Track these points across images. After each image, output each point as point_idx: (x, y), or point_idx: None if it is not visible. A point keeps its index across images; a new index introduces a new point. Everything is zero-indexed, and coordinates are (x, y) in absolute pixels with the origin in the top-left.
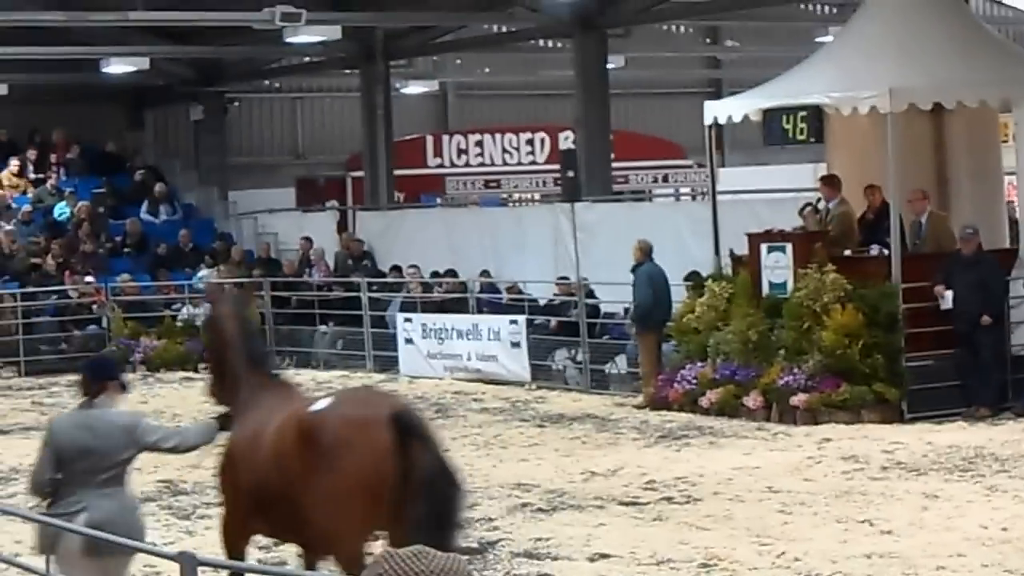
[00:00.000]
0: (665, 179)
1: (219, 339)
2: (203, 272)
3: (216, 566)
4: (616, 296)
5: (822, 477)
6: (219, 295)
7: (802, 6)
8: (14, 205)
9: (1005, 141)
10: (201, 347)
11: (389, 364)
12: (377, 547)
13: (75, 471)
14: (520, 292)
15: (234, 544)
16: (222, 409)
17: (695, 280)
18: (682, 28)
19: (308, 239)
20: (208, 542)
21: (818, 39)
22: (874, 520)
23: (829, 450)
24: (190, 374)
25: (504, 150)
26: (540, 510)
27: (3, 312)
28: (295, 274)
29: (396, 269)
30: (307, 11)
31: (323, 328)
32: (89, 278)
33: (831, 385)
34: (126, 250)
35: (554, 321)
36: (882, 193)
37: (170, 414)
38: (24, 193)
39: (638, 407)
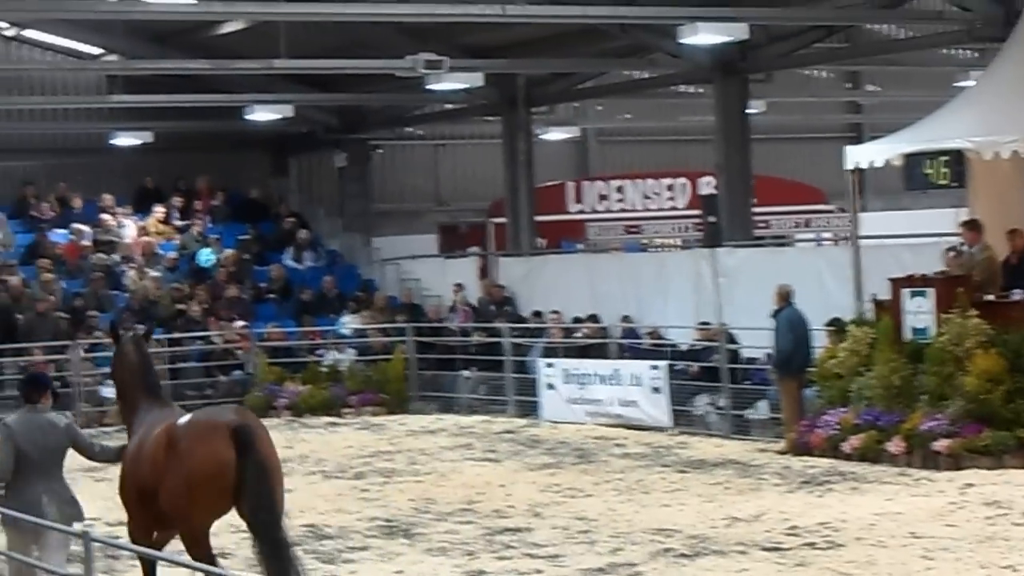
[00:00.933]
0: (806, 224)
1: (123, 371)
2: (347, 318)
3: (110, 544)
4: (757, 341)
5: (965, 522)
6: (122, 335)
7: (943, 51)
8: (160, 252)
9: None
10: (346, 392)
11: (531, 409)
12: None
13: (31, 463)
14: (661, 337)
15: (136, 543)
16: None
17: (837, 325)
18: (823, 73)
19: (460, 285)
20: None
21: (959, 83)
22: (1017, 566)
23: (972, 495)
24: (335, 419)
25: (645, 195)
26: (682, 555)
27: None
28: (438, 319)
29: (537, 314)
30: (449, 58)
31: (465, 373)
32: (240, 322)
33: (973, 430)
34: (271, 296)
35: (695, 366)
36: None
37: (315, 459)
38: (170, 240)
39: (780, 452)
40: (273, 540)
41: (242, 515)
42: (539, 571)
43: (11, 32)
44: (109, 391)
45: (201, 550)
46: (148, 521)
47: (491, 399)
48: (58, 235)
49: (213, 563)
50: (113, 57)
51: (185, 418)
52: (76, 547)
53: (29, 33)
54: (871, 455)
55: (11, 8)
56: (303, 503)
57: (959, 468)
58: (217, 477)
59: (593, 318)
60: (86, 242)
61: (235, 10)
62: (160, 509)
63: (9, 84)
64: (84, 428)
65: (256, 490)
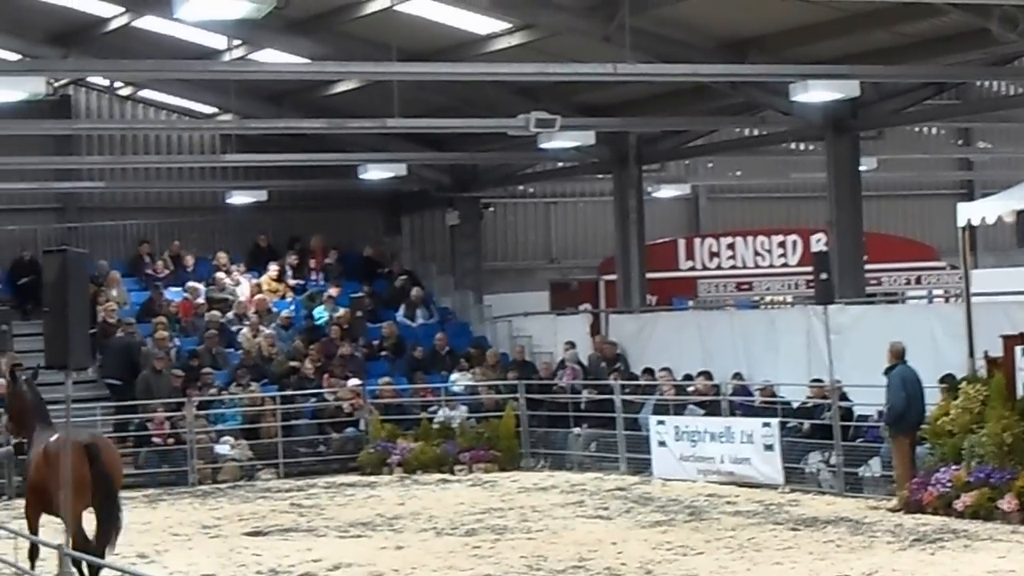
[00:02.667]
0: (918, 281)
1: (20, 401)
2: (459, 375)
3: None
4: (870, 399)
5: None
6: (17, 376)
7: None
8: (274, 309)
9: None
10: (457, 449)
11: (642, 466)
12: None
13: None
14: (773, 395)
15: (29, 520)
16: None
17: (949, 382)
18: (934, 130)
19: (571, 343)
20: None
21: None
22: None
23: None
24: (446, 476)
25: (756, 252)
26: None
27: (263, 415)
28: (549, 376)
29: (648, 371)
30: (561, 117)
31: (577, 430)
32: (354, 380)
33: None
34: (383, 353)
35: (807, 424)
36: None
37: (426, 516)
38: (283, 298)
39: (892, 510)
40: (110, 518)
41: (93, 504)
42: None
43: (127, 92)
44: (223, 448)
45: (75, 528)
46: (38, 508)
47: (602, 456)
48: (173, 293)
49: (85, 539)
50: (227, 116)
51: (54, 437)
52: None
53: (145, 93)
54: (983, 513)
55: (127, 68)
56: (415, 560)
57: None
58: (82, 481)
59: (705, 375)
60: (200, 300)
61: (349, 70)
62: (47, 499)
63: (124, 143)
64: (198, 485)
65: (103, 490)
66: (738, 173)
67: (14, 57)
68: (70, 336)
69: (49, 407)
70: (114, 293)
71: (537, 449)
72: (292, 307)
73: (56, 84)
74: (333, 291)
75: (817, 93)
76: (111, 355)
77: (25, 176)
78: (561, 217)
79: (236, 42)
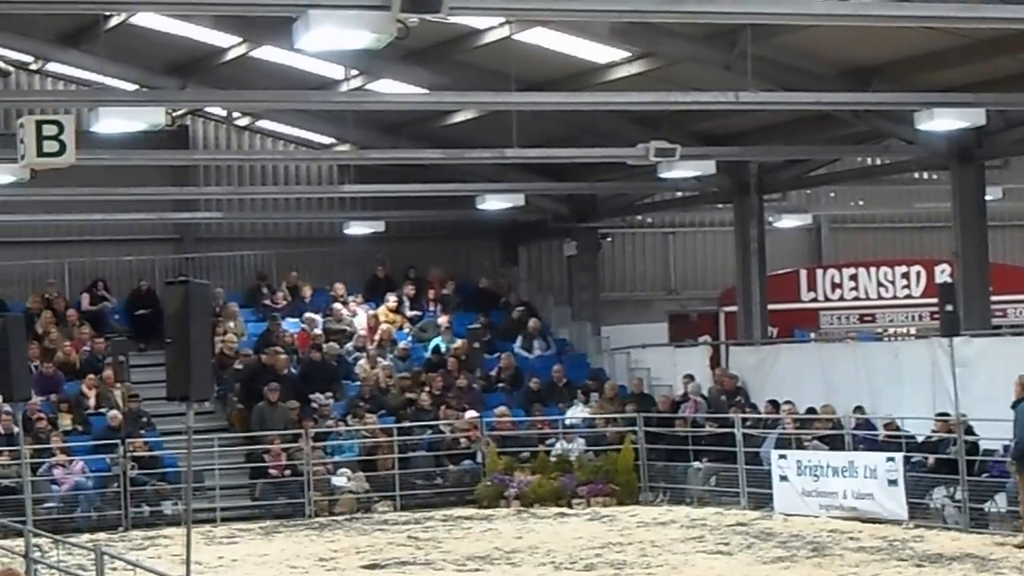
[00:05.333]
0: None
1: None
2: (576, 407)
3: None
4: (996, 433)
5: None
6: None
7: None
8: (396, 339)
9: None
10: (575, 482)
11: (763, 501)
12: None
13: None
14: (897, 428)
15: None
16: None
17: None
18: None
19: (690, 376)
20: None
21: None
22: None
23: None
24: (564, 509)
25: (879, 283)
26: None
27: (380, 447)
28: (669, 409)
29: (771, 404)
30: (681, 146)
31: (696, 464)
32: (471, 412)
33: None
34: (500, 385)
35: (932, 458)
36: None
37: (544, 550)
38: (400, 328)
39: (1018, 546)
40: None
41: None
42: None
43: (245, 122)
44: (339, 480)
45: None
46: None
47: (723, 491)
48: (290, 324)
49: None
50: (345, 147)
51: None
52: None
53: (263, 123)
54: None
55: (245, 99)
56: None
57: None
58: None
59: (827, 408)
60: (318, 331)
61: (467, 100)
62: None
63: (242, 174)
64: (315, 517)
65: None
66: (861, 203)
67: (132, 88)
68: (192, 367)
69: (169, 438)
70: (232, 324)
71: (656, 483)
72: (409, 338)
73: (174, 115)
74: (442, 319)
75: (942, 121)
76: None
77: (143, 207)
78: (680, 247)
79: (354, 72)
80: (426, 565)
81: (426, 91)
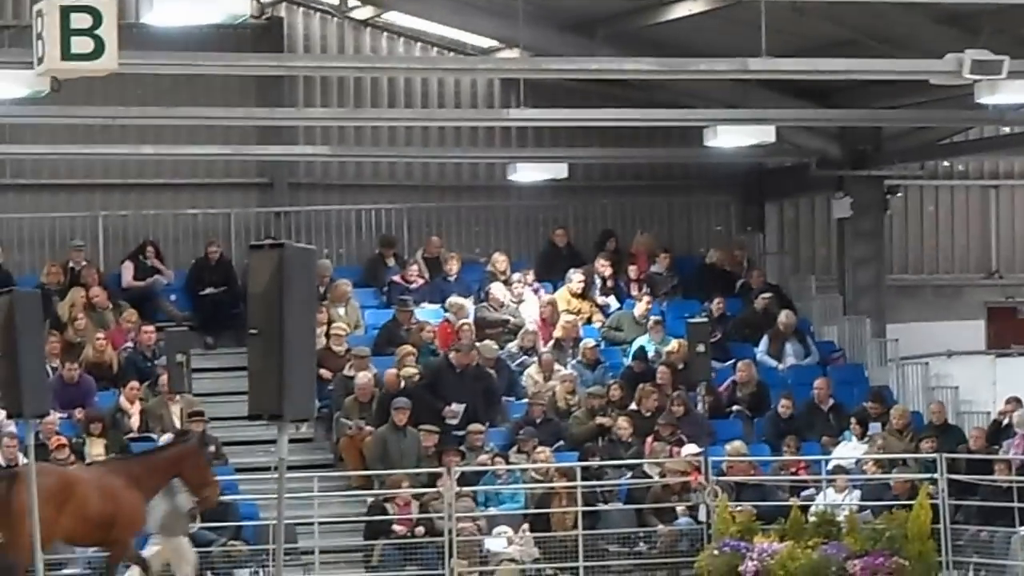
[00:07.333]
0: None
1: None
2: (848, 443)
3: None
4: None
5: None
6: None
7: None
8: (582, 336)
9: None
10: (845, 553)
11: None
12: None
13: None
14: None
15: None
16: None
17: None
18: None
19: (1018, 400)
20: None
21: None
22: None
23: None
24: None
25: None
26: None
27: (556, 495)
28: (985, 449)
29: None
30: (1010, 58)
31: (1023, 530)
32: (691, 447)
33: None
34: (735, 408)
35: None
36: None
37: None
38: (589, 322)
39: None
40: None
41: None
42: None
43: (365, 13)
44: (497, 543)
45: None
46: None
47: None
48: (427, 312)
49: None
50: (513, 53)
51: None
52: None
53: (391, 16)
54: None
55: None
56: None
57: None
58: None
59: None
60: (467, 322)
61: None
62: None
63: (360, 91)
64: None
65: None
66: None
67: None
68: (286, 373)
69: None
70: (342, 311)
71: (964, 556)
72: (602, 337)
73: (264, 1)
74: (640, 308)
75: None
76: None
77: (215, 137)
78: (1007, 209)
79: None
80: None
81: None
